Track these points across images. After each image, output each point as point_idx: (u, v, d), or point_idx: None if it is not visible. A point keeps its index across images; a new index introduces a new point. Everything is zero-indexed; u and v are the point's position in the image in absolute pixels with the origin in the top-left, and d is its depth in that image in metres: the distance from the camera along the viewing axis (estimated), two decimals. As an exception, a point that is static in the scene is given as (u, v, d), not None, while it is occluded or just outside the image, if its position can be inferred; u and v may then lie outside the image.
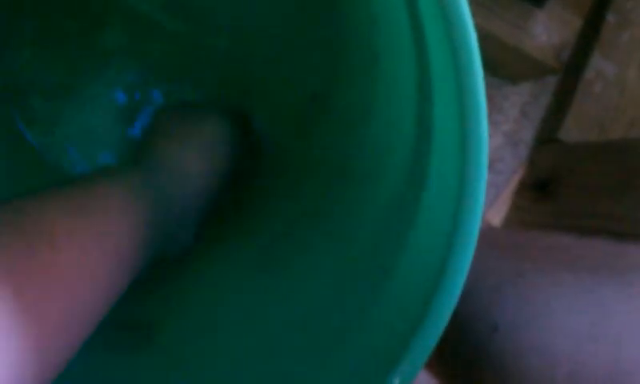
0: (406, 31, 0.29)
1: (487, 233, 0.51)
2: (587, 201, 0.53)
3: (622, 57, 0.63)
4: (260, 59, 0.48)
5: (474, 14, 0.20)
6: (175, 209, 0.35)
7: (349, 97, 0.42)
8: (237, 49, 0.48)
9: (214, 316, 0.40)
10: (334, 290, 0.33)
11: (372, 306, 0.29)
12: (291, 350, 0.32)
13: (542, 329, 0.33)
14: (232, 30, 0.48)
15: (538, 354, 0.31)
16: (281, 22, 0.47)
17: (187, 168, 0.37)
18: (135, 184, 0.31)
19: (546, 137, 0.65)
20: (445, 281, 0.23)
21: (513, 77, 0.66)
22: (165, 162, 0.36)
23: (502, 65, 0.63)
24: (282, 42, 0.47)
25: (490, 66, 0.63)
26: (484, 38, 0.20)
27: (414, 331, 0.23)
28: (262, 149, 0.48)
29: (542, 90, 0.66)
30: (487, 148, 0.21)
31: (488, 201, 0.63)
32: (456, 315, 0.23)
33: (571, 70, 0.63)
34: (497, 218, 0.63)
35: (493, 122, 0.65)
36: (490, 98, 0.20)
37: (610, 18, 0.63)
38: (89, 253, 0.24)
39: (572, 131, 0.62)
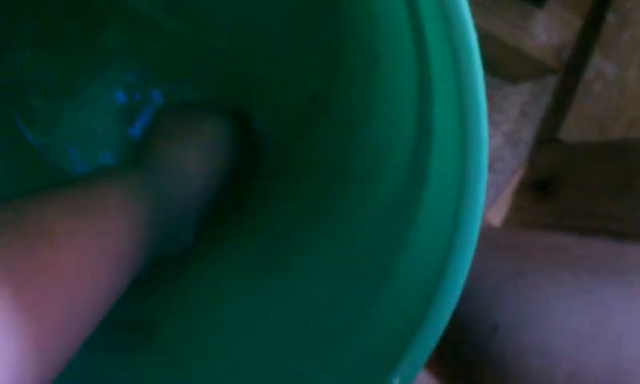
0: (406, 31, 0.29)
1: (487, 233, 0.50)
2: (587, 201, 0.53)
3: (622, 57, 0.63)
4: (260, 59, 0.48)
5: (474, 14, 0.20)
6: (175, 209, 0.35)
7: (349, 97, 0.42)
8: (237, 49, 0.48)
9: (214, 316, 0.40)
10: (334, 289, 0.33)
11: (372, 305, 0.29)
12: (291, 350, 0.32)
13: (541, 329, 0.32)
14: (232, 29, 0.48)
15: (538, 354, 0.31)
16: (281, 22, 0.47)
17: (187, 168, 0.37)
18: (135, 184, 0.31)
19: (546, 137, 0.65)
20: (445, 281, 0.23)
21: (513, 77, 0.66)
22: (165, 161, 0.36)
23: (502, 65, 0.63)
24: (281, 41, 0.47)
25: (490, 66, 0.63)
26: (484, 38, 0.20)
27: (414, 331, 0.23)
28: (262, 149, 0.48)
29: (541, 90, 0.66)
30: (487, 148, 0.21)
31: (488, 201, 0.63)
32: (456, 315, 0.23)
33: (571, 70, 0.63)
34: (497, 218, 0.63)
35: (493, 122, 0.65)
36: (489, 98, 0.20)
37: (610, 17, 0.63)
38: (89, 253, 0.24)
39: (572, 131, 0.62)
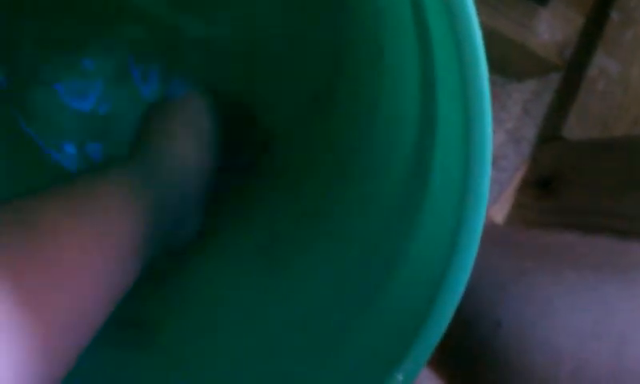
0: (411, 25, 0.28)
1: (490, 230, 0.50)
2: (590, 198, 0.53)
3: (626, 55, 0.62)
4: (261, 58, 0.48)
5: (479, 12, 0.20)
6: (175, 204, 0.35)
7: (355, 91, 0.42)
8: (237, 47, 0.48)
9: (214, 316, 0.40)
10: (335, 289, 0.33)
11: (373, 305, 0.29)
12: (291, 350, 0.32)
13: (545, 326, 0.32)
14: (234, 28, 0.48)
15: (542, 351, 0.31)
16: (281, 21, 0.47)
17: (184, 161, 0.37)
18: (135, 184, 0.31)
19: (549, 134, 0.65)
20: (449, 277, 0.22)
21: (516, 74, 0.66)
22: (161, 157, 0.35)
23: (506, 62, 0.63)
24: (283, 40, 0.47)
25: (493, 64, 0.63)
26: (488, 36, 0.20)
27: (417, 328, 0.23)
28: (268, 145, 0.48)
29: (544, 88, 0.66)
30: (491, 142, 0.21)
31: (491, 198, 0.63)
32: (459, 312, 0.23)
33: (574, 68, 0.63)
34: (499, 215, 0.63)
35: (496, 120, 0.65)
36: (493, 96, 0.20)
37: (614, 15, 0.62)
38: (90, 252, 0.24)
39: (575, 129, 0.62)
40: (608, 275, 0.33)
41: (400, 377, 0.23)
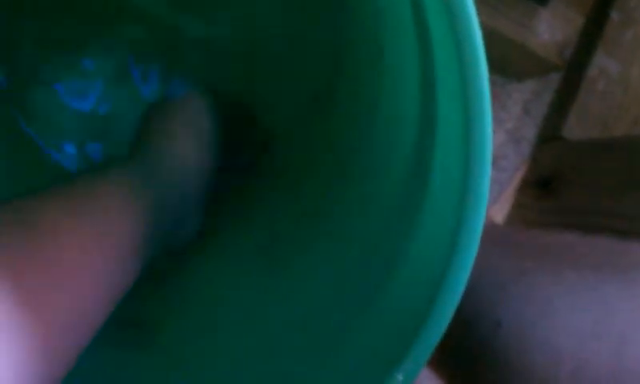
0: (411, 25, 0.28)
1: (490, 230, 0.50)
2: (590, 198, 0.53)
3: (626, 55, 0.62)
4: (261, 58, 0.48)
5: (479, 12, 0.20)
6: (175, 203, 0.35)
7: (355, 90, 0.42)
8: (237, 47, 0.48)
9: (214, 316, 0.40)
10: (335, 289, 0.33)
11: (373, 305, 0.29)
12: (291, 350, 0.32)
13: (545, 326, 0.32)
14: (233, 28, 0.48)
15: (542, 351, 0.31)
16: (281, 21, 0.47)
17: (183, 160, 0.37)
18: (135, 183, 0.31)
19: (549, 134, 0.65)
20: (449, 277, 0.22)
21: (516, 74, 0.66)
22: (161, 157, 0.35)
23: (506, 62, 0.63)
24: (283, 40, 0.47)
25: (493, 64, 0.63)
26: (488, 36, 0.20)
27: (417, 328, 0.23)
28: (268, 145, 0.48)
29: (544, 88, 0.66)
30: (491, 141, 0.21)
31: (491, 198, 0.63)
32: (459, 312, 0.23)
33: (574, 68, 0.63)
34: (499, 215, 0.63)
35: (496, 120, 0.65)
36: (493, 96, 0.20)
37: (614, 15, 0.62)
38: (90, 252, 0.24)
39: (575, 129, 0.62)
40: (608, 275, 0.33)
41: (400, 377, 0.23)
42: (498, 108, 0.65)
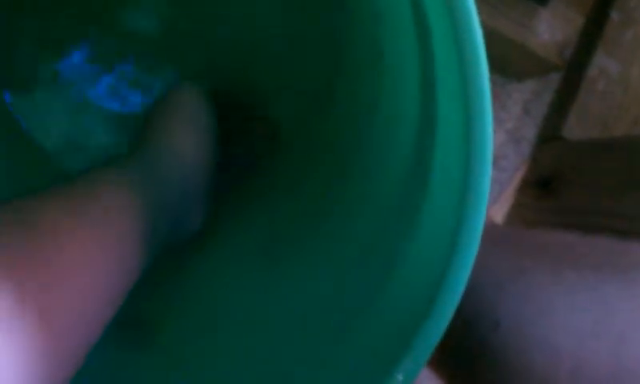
0: (411, 25, 0.28)
1: (490, 230, 0.50)
2: (590, 198, 0.53)
3: (626, 55, 0.62)
4: (261, 58, 0.48)
5: (479, 12, 0.20)
6: (175, 204, 0.35)
7: (355, 90, 0.42)
8: (237, 47, 0.48)
9: (214, 316, 0.40)
10: (335, 289, 0.33)
11: (373, 305, 0.29)
12: (291, 350, 0.32)
13: (544, 325, 0.32)
14: (232, 29, 0.48)
15: (541, 351, 0.31)
16: (281, 22, 0.47)
17: (183, 160, 0.37)
18: (135, 183, 0.31)
19: (549, 134, 0.65)
20: (449, 277, 0.22)
21: (516, 74, 0.66)
22: (161, 158, 0.35)
23: (506, 62, 0.63)
24: (282, 41, 0.47)
25: (493, 64, 0.63)
26: (488, 36, 0.20)
27: (417, 328, 0.23)
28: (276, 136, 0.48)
29: (544, 88, 0.66)
30: (492, 140, 0.21)
31: (491, 198, 0.63)
32: (459, 312, 0.23)
33: (574, 68, 0.63)
34: (499, 215, 0.63)
35: (496, 120, 0.65)
36: (493, 95, 0.20)
37: (614, 15, 0.62)
38: (90, 253, 0.24)
39: (575, 129, 0.62)
40: (608, 275, 0.33)
41: (400, 377, 0.23)
42: (498, 108, 0.65)
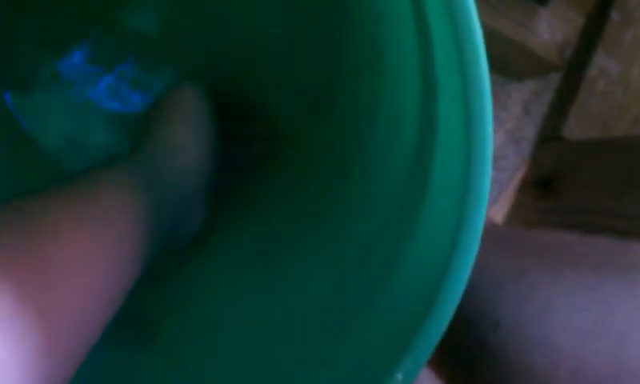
0: (411, 25, 0.28)
1: (490, 230, 0.50)
2: (590, 198, 0.53)
3: (626, 55, 0.62)
4: (262, 58, 0.48)
5: (479, 12, 0.20)
6: (175, 205, 0.35)
7: (355, 90, 0.42)
8: (237, 47, 0.48)
9: (214, 316, 0.40)
10: (335, 289, 0.33)
11: (373, 305, 0.29)
12: (291, 350, 0.32)
13: (544, 326, 0.32)
14: (232, 30, 0.48)
15: (541, 351, 0.31)
16: (281, 22, 0.47)
17: (183, 161, 0.36)
18: (135, 183, 0.31)
19: (549, 134, 0.65)
20: (449, 277, 0.22)
21: (517, 74, 0.66)
22: (161, 158, 0.35)
23: (506, 62, 0.63)
24: (282, 41, 0.47)
25: (493, 64, 0.63)
26: (488, 36, 0.20)
27: (417, 328, 0.23)
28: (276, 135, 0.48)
29: (544, 88, 0.66)
30: (492, 141, 0.21)
31: (491, 198, 0.63)
32: (458, 312, 0.23)
33: (574, 68, 0.63)
34: (499, 215, 0.63)
35: (496, 120, 0.65)
36: (493, 96, 0.20)
37: (614, 15, 0.62)
38: (90, 253, 0.24)
39: (575, 129, 0.62)
40: (608, 275, 0.33)
41: (400, 376, 0.23)
42: (498, 108, 0.65)
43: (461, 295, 0.23)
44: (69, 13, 0.46)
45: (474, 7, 0.20)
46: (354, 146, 0.40)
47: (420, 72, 0.28)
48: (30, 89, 0.46)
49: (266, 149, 0.47)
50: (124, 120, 0.48)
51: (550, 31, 0.60)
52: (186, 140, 0.38)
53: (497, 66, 0.64)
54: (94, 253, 0.25)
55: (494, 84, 0.64)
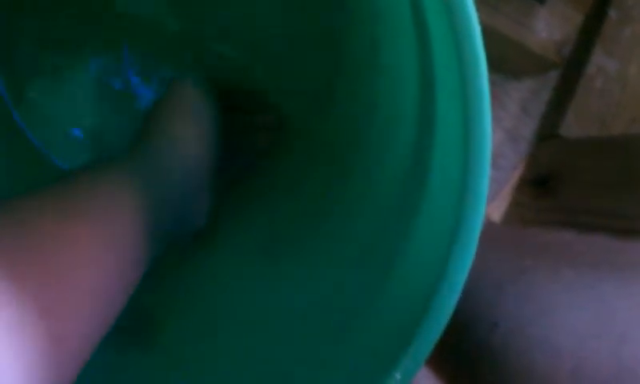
0: (410, 25, 0.29)
1: (487, 229, 0.50)
2: (588, 197, 0.53)
3: (624, 53, 0.62)
4: (262, 58, 0.48)
5: (477, 10, 0.20)
6: (176, 204, 0.35)
7: (354, 90, 0.42)
8: (239, 47, 0.48)
9: (214, 316, 0.40)
10: (334, 289, 0.33)
11: (373, 304, 0.29)
12: (291, 350, 0.32)
13: (544, 325, 0.32)
14: (231, 31, 0.48)
15: (541, 350, 0.31)
16: (281, 22, 0.47)
17: (184, 161, 0.36)
18: (135, 183, 0.31)
19: (547, 133, 0.65)
20: (447, 276, 0.22)
21: (515, 73, 0.66)
22: (161, 157, 0.35)
23: (504, 60, 0.63)
24: (282, 41, 0.47)
25: (491, 62, 0.63)
26: (486, 34, 0.20)
27: (416, 327, 0.23)
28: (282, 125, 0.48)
29: (542, 86, 0.66)
30: (490, 140, 0.21)
31: (489, 196, 0.63)
32: (457, 312, 0.23)
33: (572, 66, 0.63)
34: (497, 213, 0.63)
35: (494, 118, 0.65)
36: (491, 95, 0.20)
37: (612, 13, 0.62)
38: (90, 253, 0.24)
39: (573, 127, 0.62)
40: (605, 273, 0.33)
41: (398, 375, 0.23)
42: (496, 107, 0.65)
43: (459, 294, 0.23)
44: (69, 13, 0.46)
45: (473, 7, 0.20)
46: (353, 146, 0.40)
47: (419, 71, 0.28)
48: (30, 88, 0.46)
49: (273, 138, 0.47)
50: (124, 119, 0.48)
51: (548, 29, 0.60)
52: (188, 133, 0.37)
53: (495, 64, 0.64)
54: (94, 252, 0.25)
55: (491, 83, 0.64)
